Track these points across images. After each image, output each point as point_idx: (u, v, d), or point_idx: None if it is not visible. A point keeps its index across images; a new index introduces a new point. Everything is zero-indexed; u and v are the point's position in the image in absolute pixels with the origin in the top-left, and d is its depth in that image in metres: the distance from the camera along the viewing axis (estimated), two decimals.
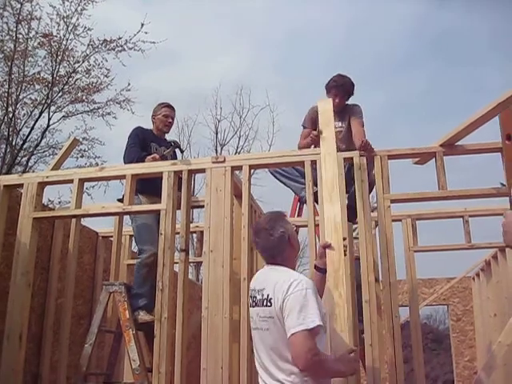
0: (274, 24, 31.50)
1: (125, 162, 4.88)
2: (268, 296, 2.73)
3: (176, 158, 5.17)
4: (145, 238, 4.82)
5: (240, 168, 4.42)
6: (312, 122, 5.20)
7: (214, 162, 4.42)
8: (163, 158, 4.89)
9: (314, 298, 2.60)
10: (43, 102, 16.26)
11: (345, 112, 5.11)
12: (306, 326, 2.51)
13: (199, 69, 29.75)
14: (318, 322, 2.56)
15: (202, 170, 4.50)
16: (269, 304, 2.71)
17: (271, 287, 2.72)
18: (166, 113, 5.31)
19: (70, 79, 16.67)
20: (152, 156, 4.78)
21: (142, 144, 5.04)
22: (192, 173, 4.54)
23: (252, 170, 4.49)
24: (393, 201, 4.21)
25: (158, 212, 4.44)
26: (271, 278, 2.78)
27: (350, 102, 5.21)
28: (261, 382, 2.77)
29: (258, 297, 2.81)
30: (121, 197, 4.87)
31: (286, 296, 2.60)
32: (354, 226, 4.58)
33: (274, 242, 2.85)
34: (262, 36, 32.19)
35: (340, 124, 5.10)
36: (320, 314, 2.59)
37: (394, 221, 4.34)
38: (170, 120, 5.36)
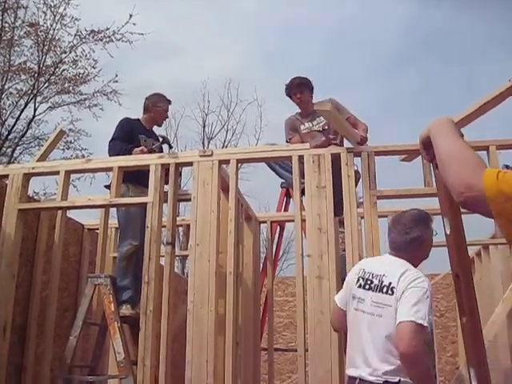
0: (265, 19, 31.42)
1: (109, 155, 4.86)
2: (390, 284, 2.72)
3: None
4: (125, 230, 4.82)
5: (227, 162, 4.42)
6: (293, 129, 5.41)
7: (201, 156, 4.42)
8: (151, 151, 4.87)
9: (429, 301, 2.62)
10: (29, 92, 16.14)
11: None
12: (415, 319, 2.53)
13: (191, 62, 29.65)
14: (427, 323, 2.56)
15: (190, 164, 4.50)
16: (390, 292, 2.71)
17: (395, 276, 2.72)
18: (166, 107, 5.34)
19: (57, 70, 16.56)
20: (140, 148, 4.76)
21: (128, 136, 4.99)
22: (179, 166, 4.53)
23: (239, 165, 4.50)
24: (379, 197, 4.23)
25: (144, 205, 4.43)
26: (395, 268, 2.78)
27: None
28: (348, 369, 2.81)
29: (375, 281, 2.80)
30: (108, 183, 4.88)
31: (408, 288, 2.63)
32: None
33: (406, 241, 2.86)
34: (254, 30, 32.11)
35: (320, 120, 5.23)
36: (429, 317, 2.59)
37: (379, 217, 4.36)
38: (167, 115, 5.43)
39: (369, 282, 2.83)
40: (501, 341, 5.36)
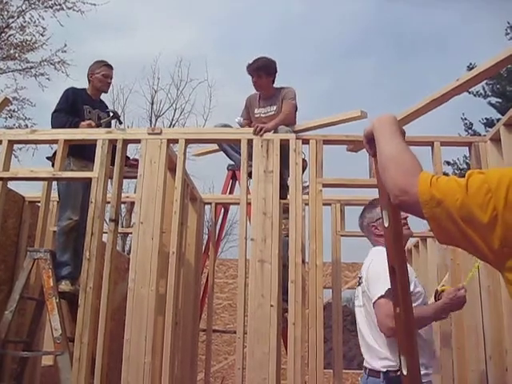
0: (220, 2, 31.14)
1: (52, 127, 4.73)
2: (362, 273, 2.98)
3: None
4: (65, 204, 4.72)
5: (176, 141, 4.39)
6: (248, 110, 5.38)
7: (150, 134, 4.37)
8: (99, 125, 4.78)
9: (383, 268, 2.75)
10: None
11: (277, 96, 5.17)
12: (381, 293, 2.67)
13: (143, 37, 29.15)
14: (389, 285, 2.65)
15: (138, 141, 4.44)
16: (362, 281, 2.95)
17: (364, 266, 2.98)
18: (105, 72, 5.10)
19: (3, 34, 15.97)
20: (87, 122, 4.65)
21: (72, 108, 4.84)
22: (127, 143, 4.47)
23: (188, 144, 4.48)
24: (325, 185, 4.30)
25: (88, 180, 4.35)
26: (368, 257, 3.02)
27: (285, 85, 5.29)
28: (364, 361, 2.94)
29: (361, 276, 3.03)
30: (50, 155, 4.76)
31: (368, 270, 2.86)
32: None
33: (363, 229, 3.15)
34: (208, 12, 31.77)
35: (271, 108, 5.17)
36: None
37: (324, 204, 4.44)
38: (110, 80, 5.18)
39: (359, 279, 3.06)
40: (433, 329, 5.53)
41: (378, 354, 2.78)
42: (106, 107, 5.31)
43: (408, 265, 2.87)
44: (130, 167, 4.73)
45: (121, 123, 5.14)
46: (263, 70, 5.17)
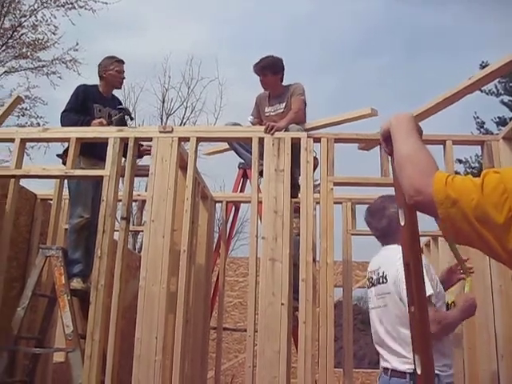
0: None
1: (61, 125, 4.75)
2: (383, 273, 2.82)
3: (123, 125, 5.03)
4: (75, 202, 4.74)
5: (187, 139, 4.40)
6: (258, 109, 5.39)
7: (161, 132, 4.37)
8: (110, 123, 4.79)
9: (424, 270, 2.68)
10: None
11: (285, 93, 5.16)
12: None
13: (154, 36, 29.23)
14: (432, 290, 2.62)
15: (149, 139, 4.45)
16: (384, 280, 2.80)
17: (385, 264, 2.82)
18: (118, 68, 5.06)
19: (15, 33, 16.06)
20: (99, 121, 4.66)
21: (82, 107, 4.84)
22: (138, 141, 4.48)
23: (199, 143, 4.48)
24: (336, 183, 4.29)
25: (99, 178, 4.37)
26: (384, 257, 2.89)
27: (293, 82, 5.28)
28: (382, 362, 2.86)
29: (375, 277, 2.91)
30: (60, 152, 4.78)
31: (399, 269, 2.61)
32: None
33: (385, 223, 2.93)
34: (219, 10, 31.79)
35: (280, 106, 5.17)
36: (432, 284, 2.68)
37: (335, 203, 4.43)
38: (123, 75, 5.12)
39: (371, 280, 2.97)
40: None
41: (402, 356, 2.71)
42: (120, 103, 5.30)
43: (429, 263, 2.86)
44: (144, 154, 4.72)
45: (132, 119, 5.12)
46: (269, 69, 5.17)
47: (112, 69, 5.02)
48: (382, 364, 2.88)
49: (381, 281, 2.85)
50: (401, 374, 2.71)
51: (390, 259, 2.80)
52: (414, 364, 1.62)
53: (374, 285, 2.93)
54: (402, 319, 2.68)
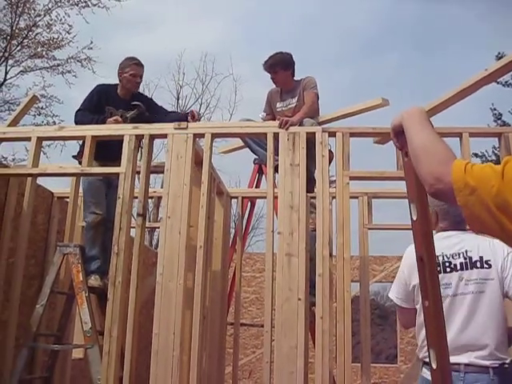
0: None
1: (75, 123, 4.74)
2: (482, 258, 2.64)
3: (140, 121, 4.84)
4: (88, 200, 4.76)
5: (202, 136, 4.40)
6: (270, 104, 5.38)
7: (176, 128, 4.38)
8: (125, 120, 4.77)
9: None
10: (0, 54, 15.76)
11: (297, 87, 5.15)
12: None
13: (168, 33, 29.30)
14: None
15: (164, 136, 4.46)
16: (486, 266, 2.62)
17: (483, 249, 2.65)
18: (133, 72, 4.91)
19: (30, 33, 16.18)
20: (114, 118, 4.65)
21: (96, 107, 4.77)
22: (153, 138, 4.49)
23: (214, 139, 4.48)
24: (352, 178, 4.26)
25: (115, 175, 4.38)
26: (474, 242, 2.69)
27: (304, 75, 5.27)
28: (456, 358, 2.49)
29: (459, 260, 2.66)
30: (75, 153, 4.80)
31: (506, 256, 2.60)
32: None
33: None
34: (234, 6, 31.77)
35: (292, 101, 5.15)
36: None
37: (351, 197, 4.40)
38: (139, 80, 5.00)
39: (449, 264, 2.69)
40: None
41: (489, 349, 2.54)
42: (146, 97, 5.22)
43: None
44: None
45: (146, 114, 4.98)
46: (279, 66, 5.16)
47: (127, 71, 4.91)
48: (454, 359, 2.46)
49: (479, 265, 2.64)
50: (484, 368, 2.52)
51: (490, 245, 2.64)
52: (429, 358, 1.61)
53: (459, 269, 2.67)
54: (500, 307, 2.58)
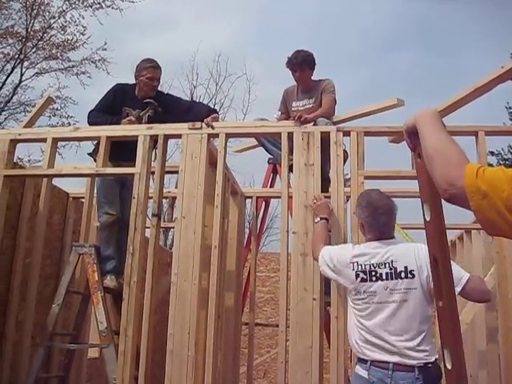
0: None
1: (88, 123, 4.74)
2: (406, 268, 2.82)
3: (153, 120, 4.81)
4: (102, 200, 4.77)
5: (216, 136, 4.40)
6: (285, 103, 5.40)
7: (190, 129, 4.39)
8: (139, 120, 4.77)
9: None
10: (16, 56, 15.91)
11: (315, 88, 5.14)
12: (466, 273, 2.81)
13: (181, 33, 29.38)
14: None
15: (178, 136, 4.47)
16: (410, 276, 2.80)
17: (408, 259, 2.84)
18: (150, 75, 4.84)
19: (45, 35, 16.33)
20: (128, 119, 4.66)
21: (111, 108, 4.76)
22: (168, 138, 4.50)
23: (228, 139, 4.48)
24: (367, 177, 4.24)
25: (130, 175, 4.39)
26: (399, 252, 2.90)
27: (323, 77, 5.26)
28: (377, 354, 2.81)
29: (385, 270, 2.85)
30: (90, 151, 4.83)
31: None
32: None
33: (395, 220, 3.09)
34: (247, 6, 31.78)
35: (309, 101, 5.14)
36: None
37: None
38: (156, 83, 4.92)
39: (375, 273, 2.90)
40: (478, 323, 5.45)
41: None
42: (164, 94, 5.18)
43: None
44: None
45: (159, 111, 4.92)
46: (307, 64, 5.16)
47: (144, 75, 4.85)
48: (380, 356, 2.81)
49: (403, 276, 2.82)
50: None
51: (414, 254, 2.87)
52: (444, 359, 1.60)
53: (384, 279, 2.85)
54: (421, 313, 2.79)
